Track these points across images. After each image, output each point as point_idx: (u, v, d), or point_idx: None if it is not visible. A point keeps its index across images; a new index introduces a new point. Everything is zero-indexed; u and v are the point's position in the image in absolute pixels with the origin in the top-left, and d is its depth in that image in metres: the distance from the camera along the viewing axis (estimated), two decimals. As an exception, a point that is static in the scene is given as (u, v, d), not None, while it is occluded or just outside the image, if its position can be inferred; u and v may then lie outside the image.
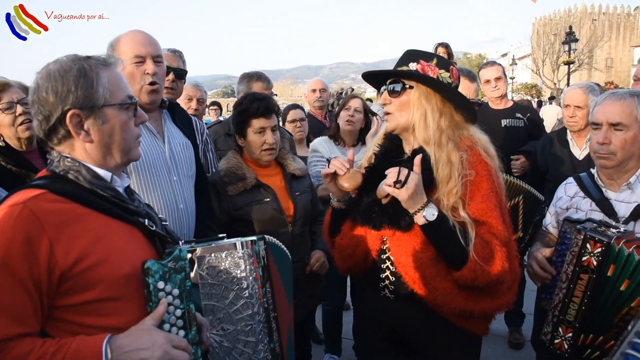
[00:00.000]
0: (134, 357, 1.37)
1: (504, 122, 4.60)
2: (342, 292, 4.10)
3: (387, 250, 2.10)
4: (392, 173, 1.89)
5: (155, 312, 1.47)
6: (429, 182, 1.98)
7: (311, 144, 4.17)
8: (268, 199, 2.89)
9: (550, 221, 2.65)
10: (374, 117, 4.06)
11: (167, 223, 1.81)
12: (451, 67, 2.10)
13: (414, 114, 2.05)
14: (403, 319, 2.13)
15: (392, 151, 2.18)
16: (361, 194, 2.13)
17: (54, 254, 1.37)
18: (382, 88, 2.15)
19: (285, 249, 2.15)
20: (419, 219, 1.90)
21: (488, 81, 4.67)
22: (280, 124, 4.93)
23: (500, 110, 4.67)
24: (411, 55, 2.11)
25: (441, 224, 1.89)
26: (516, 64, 49.49)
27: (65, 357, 1.34)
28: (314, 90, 5.35)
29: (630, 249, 1.96)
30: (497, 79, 4.63)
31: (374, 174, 2.12)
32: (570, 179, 2.61)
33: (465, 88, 3.39)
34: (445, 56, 6.09)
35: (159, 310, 1.48)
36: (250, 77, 4.28)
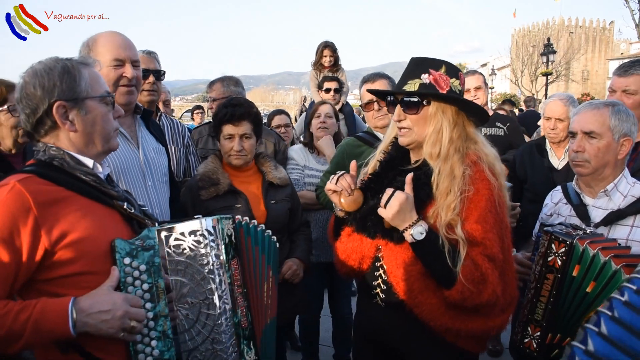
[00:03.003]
0: (96, 319, 1.50)
1: (483, 131, 4.63)
2: (319, 300, 4.07)
3: (381, 259, 2.09)
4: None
5: (111, 277, 1.60)
6: (427, 198, 1.96)
7: (288, 152, 4.20)
8: (239, 205, 2.87)
9: (537, 229, 2.68)
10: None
11: (146, 208, 1.95)
12: (460, 73, 2.07)
13: (429, 129, 2.00)
14: (392, 328, 2.11)
15: (397, 159, 2.16)
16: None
17: (39, 229, 1.51)
18: (389, 99, 2.11)
19: (270, 235, 2.26)
20: (407, 237, 1.90)
21: (468, 90, 4.70)
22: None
23: (481, 119, 4.70)
24: (419, 64, 2.04)
25: (429, 243, 1.87)
26: (495, 74, 50.24)
27: (31, 316, 1.44)
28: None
29: (596, 250, 2.01)
30: (477, 88, 4.65)
31: (375, 181, 2.12)
32: (558, 187, 2.68)
33: None
34: (332, 60, 5.96)
35: (113, 274, 1.61)
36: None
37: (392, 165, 2.14)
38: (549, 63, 30.79)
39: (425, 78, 1.98)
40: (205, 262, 1.73)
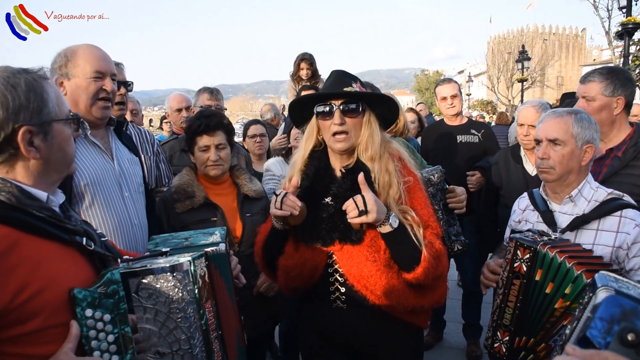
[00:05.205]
0: None
1: (459, 138, 4.71)
2: (295, 309, 4.07)
3: (334, 264, 2.16)
4: (350, 207, 1.99)
5: (69, 336, 1.39)
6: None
7: (265, 164, 4.22)
8: (215, 219, 2.86)
9: (507, 235, 2.73)
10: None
11: (105, 239, 1.73)
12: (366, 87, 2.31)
13: (364, 134, 2.17)
14: (357, 325, 2.19)
15: (322, 169, 2.26)
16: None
17: None
18: (326, 108, 2.15)
19: (223, 250, 2.01)
20: (385, 228, 2.02)
21: (444, 98, 4.77)
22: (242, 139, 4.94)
23: (456, 126, 4.79)
24: (343, 75, 2.21)
25: (401, 228, 2.04)
26: (472, 80, 51.03)
27: None
28: (180, 110, 4.80)
29: (553, 253, 2.08)
30: (454, 96, 4.73)
31: (309, 193, 2.20)
32: (525, 194, 2.73)
33: None
34: (309, 72, 5.86)
35: (71, 332, 1.40)
36: (199, 90, 4.49)
37: (320, 176, 2.24)
38: (524, 69, 31.41)
39: (355, 86, 2.17)
40: (176, 310, 1.55)
